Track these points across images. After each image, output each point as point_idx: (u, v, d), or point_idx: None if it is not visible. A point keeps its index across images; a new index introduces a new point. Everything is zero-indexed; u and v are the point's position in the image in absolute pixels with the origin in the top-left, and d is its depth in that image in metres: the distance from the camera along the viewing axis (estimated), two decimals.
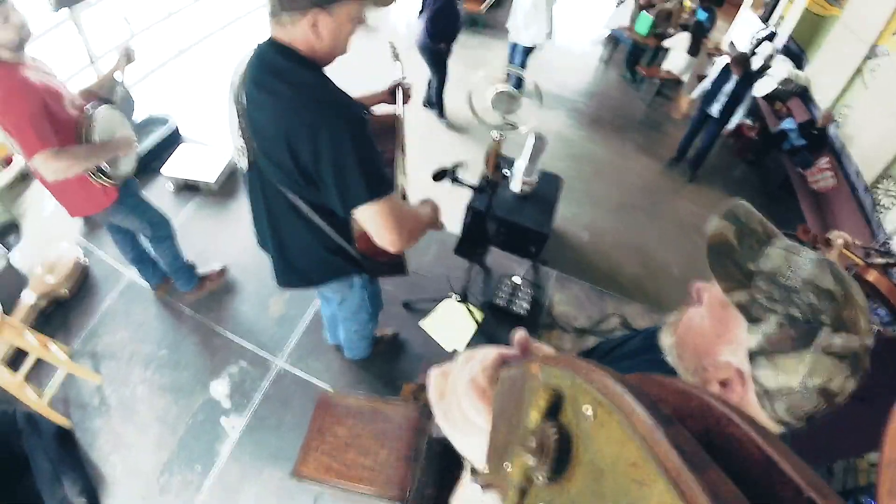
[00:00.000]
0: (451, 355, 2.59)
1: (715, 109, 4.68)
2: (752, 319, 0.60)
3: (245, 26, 5.83)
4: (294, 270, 1.54)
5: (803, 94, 5.97)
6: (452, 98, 4.84)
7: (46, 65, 1.80)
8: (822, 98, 5.59)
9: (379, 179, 1.20)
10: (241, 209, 3.18)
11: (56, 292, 2.49)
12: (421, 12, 4.24)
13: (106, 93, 2.04)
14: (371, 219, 1.22)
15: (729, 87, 4.55)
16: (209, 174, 3.18)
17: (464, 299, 2.71)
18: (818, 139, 5.17)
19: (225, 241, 2.99)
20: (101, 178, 1.86)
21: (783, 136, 5.45)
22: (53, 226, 2.93)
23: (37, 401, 2.06)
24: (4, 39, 1.55)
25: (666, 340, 0.76)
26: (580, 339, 2.85)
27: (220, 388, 2.37)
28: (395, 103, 1.62)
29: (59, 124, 1.67)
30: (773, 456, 0.20)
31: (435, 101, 4.86)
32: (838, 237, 1.74)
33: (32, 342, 2.08)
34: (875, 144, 4.57)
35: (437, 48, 4.35)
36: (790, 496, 0.19)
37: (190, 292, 2.63)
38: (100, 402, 2.28)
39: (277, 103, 1.14)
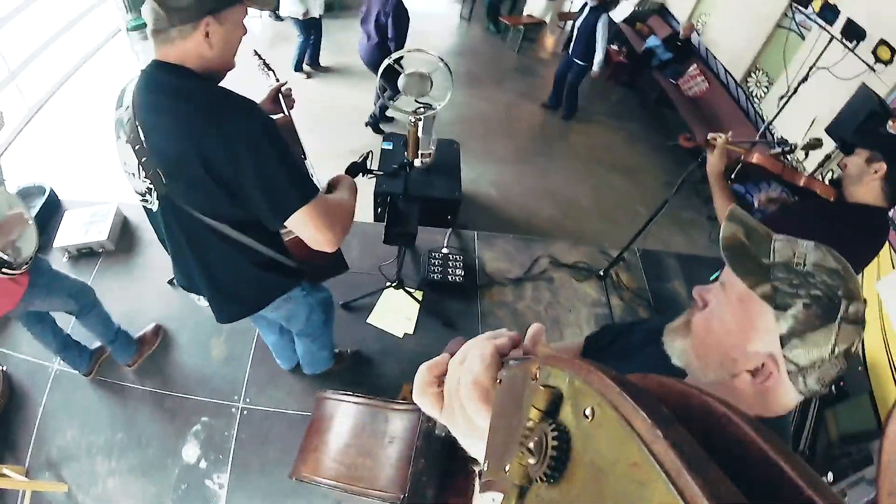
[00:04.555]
0: (404, 341, 2.67)
1: (576, 51, 4.74)
2: (780, 307, 0.67)
3: (90, 72, 5.30)
4: (232, 301, 1.48)
5: (661, 10, 6.41)
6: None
7: None
8: (680, 11, 6.04)
9: (305, 181, 1.17)
10: (146, 262, 3.01)
11: None
12: (373, 33, 3.97)
13: None
14: (305, 223, 1.18)
15: (580, 21, 4.59)
16: (101, 233, 2.97)
17: (400, 285, 2.78)
18: (683, 50, 5.60)
19: (141, 298, 2.83)
20: (5, 271, 1.71)
21: (650, 54, 5.87)
22: None
23: None
24: None
25: (676, 345, 0.82)
26: (519, 289, 3.02)
27: (191, 451, 2.29)
28: (279, 111, 1.60)
29: None
30: (773, 456, 0.19)
31: (380, 114, 4.60)
32: (717, 136, 1.85)
33: None
34: (737, 43, 4.99)
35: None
36: (790, 496, 0.19)
37: (130, 362, 2.48)
38: None
39: (182, 122, 1.09)
